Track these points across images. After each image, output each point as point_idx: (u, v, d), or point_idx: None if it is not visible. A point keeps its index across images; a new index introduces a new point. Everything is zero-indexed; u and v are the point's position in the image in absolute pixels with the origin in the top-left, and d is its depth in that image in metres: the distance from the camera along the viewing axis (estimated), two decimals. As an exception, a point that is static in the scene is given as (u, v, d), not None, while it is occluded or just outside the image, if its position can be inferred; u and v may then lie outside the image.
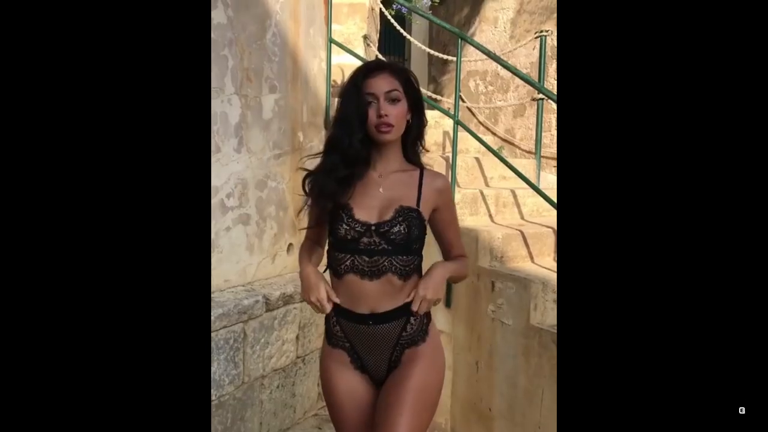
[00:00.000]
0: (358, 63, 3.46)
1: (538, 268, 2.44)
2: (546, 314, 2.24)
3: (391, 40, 4.29)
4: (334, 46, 2.93)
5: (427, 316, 1.37)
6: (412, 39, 3.78)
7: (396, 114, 1.28)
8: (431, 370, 1.34)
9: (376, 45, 3.74)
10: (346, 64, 3.43)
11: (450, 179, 2.64)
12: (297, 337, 2.62)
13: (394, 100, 1.28)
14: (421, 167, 1.37)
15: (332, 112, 2.94)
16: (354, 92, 1.29)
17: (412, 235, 1.28)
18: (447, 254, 1.43)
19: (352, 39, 3.47)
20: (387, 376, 1.35)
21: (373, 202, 1.30)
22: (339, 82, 3.43)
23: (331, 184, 1.28)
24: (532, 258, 2.54)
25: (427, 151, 1.43)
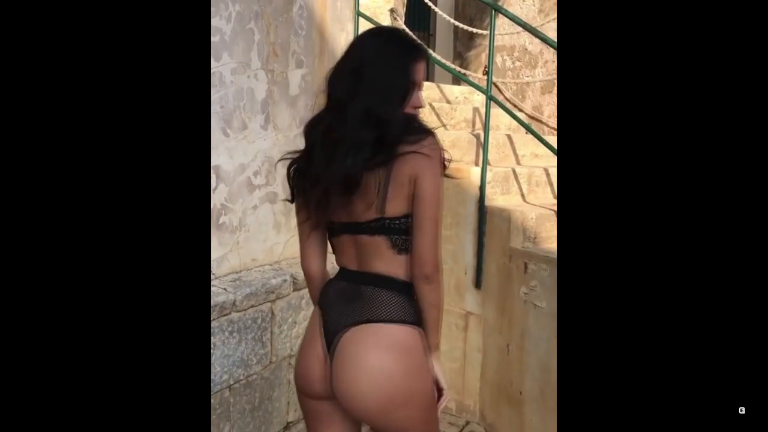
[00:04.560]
0: (384, 37, 3.37)
1: (571, 250, 2.37)
2: (581, 297, 2.18)
3: (417, 13, 4.17)
4: (361, 20, 2.84)
5: None
6: (438, 11, 3.66)
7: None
8: None
9: (403, 18, 3.63)
10: (372, 39, 3.34)
11: (482, 157, 2.56)
12: (324, 317, 2.60)
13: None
14: None
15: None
16: (407, 75, 1.29)
17: None
18: None
19: (378, 12, 3.37)
20: None
21: None
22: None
23: None
24: (565, 239, 2.47)
25: None
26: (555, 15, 3.72)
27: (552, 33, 4.12)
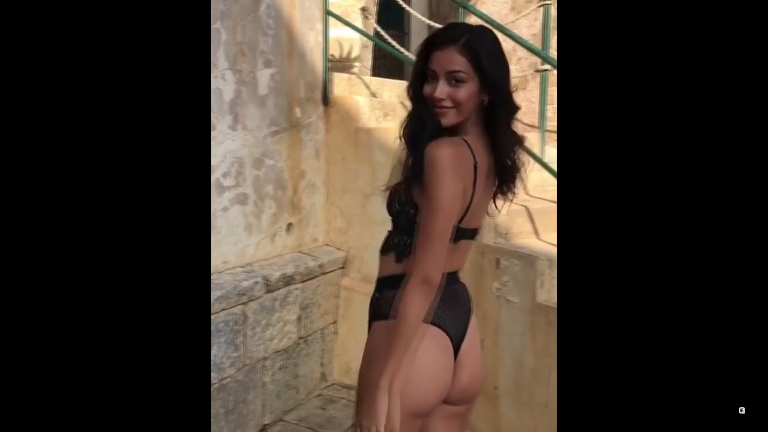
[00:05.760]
0: (356, 36, 3.37)
1: (543, 245, 2.38)
2: (552, 291, 2.19)
3: (390, 12, 4.17)
4: (331, 19, 2.83)
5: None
6: (411, 11, 3.66)
7: (457, 97, 1.15)
8: (366, 358, 1.23)
9: (375, 17, 3.62)
10: (343, 38, 3.33)
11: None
12: (299, 318, 2.58)
13: (457, 81, 1.15)
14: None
15: (330, 87, 2.86)
16: (419, 62, 1.20)
17: (390, 209, 1.24)
18: None
19: (349, 11, 3.36)
20: None
21: None
22: (336, 56, 3.33)
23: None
24: (537, 234, 2.48)
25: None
26: (526, 12, 3.74)
27: (524, 30, 4.15)
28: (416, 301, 1.12)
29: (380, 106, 2.93)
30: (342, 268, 2.82)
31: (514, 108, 1.23)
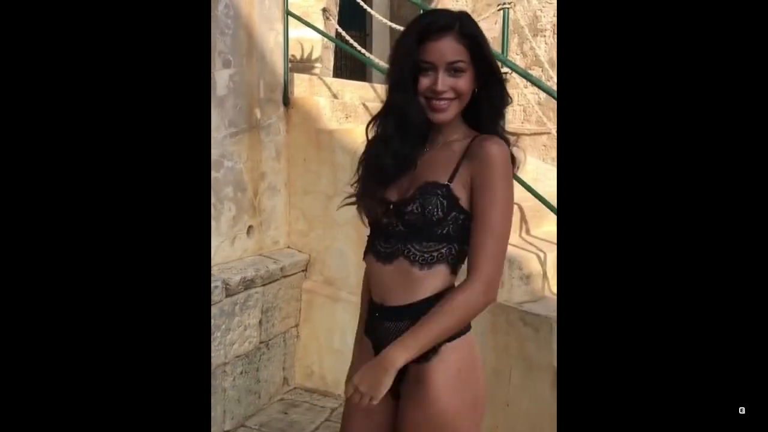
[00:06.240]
0: (317, 37, 3.35)
1: (503, 245, 2.41)
2: (512, 291, 2.22)
3: (351, 13, 4.16)
4: (291, 20, 2.80)
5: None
6: (373, 13, 3.66)
7: (459, 87, 1.08)
8: (444, 401, 1.08)
9: (336, 18, 3.61)
10: (304, 38, 3.30)
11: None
12: (260, 322, 2.55)
13: (457, 71, 1.07)
14: (476, 135, 1.13)
15: (291, 88, 2.83)
16: (411, 54, 1.08)
17: (429, 217, 1.07)
18: (468, 268, 1.08)
19: (310, 12, 3.33)
20: (400, 390, 1.13)
21: (405, 178, 1.12)
22: (297, 56, 3.30)
23: (385, 160, 1.12)
24: (497, 235, 2.51)
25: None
26: (486, 15, 3.79)
27: (486, 33, 4.21)
28: (474, 307, 1.06)
29: (342, 107, 2.92)
30: (304, 270, 2.80)
31: (506, 99, 1.15)
